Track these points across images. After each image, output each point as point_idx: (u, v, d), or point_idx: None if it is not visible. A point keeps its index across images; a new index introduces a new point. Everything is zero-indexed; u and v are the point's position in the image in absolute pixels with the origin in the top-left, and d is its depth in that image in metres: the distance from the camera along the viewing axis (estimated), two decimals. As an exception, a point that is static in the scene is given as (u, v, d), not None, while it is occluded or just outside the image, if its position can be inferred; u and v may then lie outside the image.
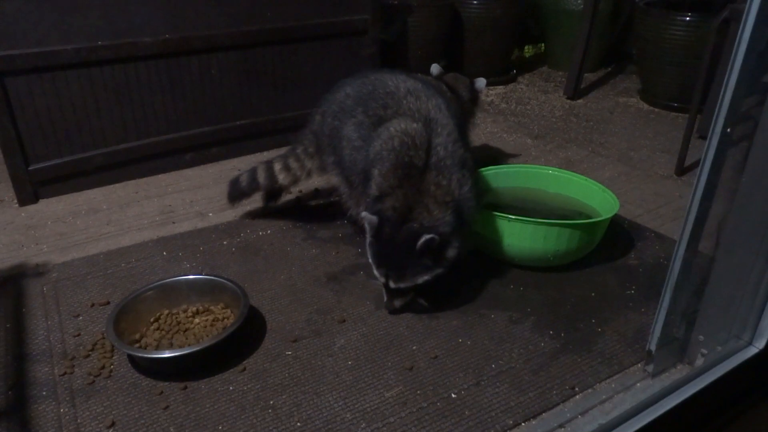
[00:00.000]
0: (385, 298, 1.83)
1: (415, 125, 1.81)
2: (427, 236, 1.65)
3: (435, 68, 2.62)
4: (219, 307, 1.83)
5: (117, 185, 2.74)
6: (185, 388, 1.57)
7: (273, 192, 2.42)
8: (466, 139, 2.06)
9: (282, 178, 2.31)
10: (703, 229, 1.42)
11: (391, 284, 1.76)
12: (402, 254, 1.71)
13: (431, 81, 2.27)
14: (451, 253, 1.76)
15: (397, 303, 1.82)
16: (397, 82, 1.96)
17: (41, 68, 2.41)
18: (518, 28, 4.37)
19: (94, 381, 1.60)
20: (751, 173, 1.44)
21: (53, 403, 1.53)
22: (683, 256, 1.43)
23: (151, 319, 1.77)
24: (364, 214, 1.78)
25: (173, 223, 2.41)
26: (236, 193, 2.36)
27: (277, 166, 2.31)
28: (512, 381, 1.61)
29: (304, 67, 3.06)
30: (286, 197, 2.58)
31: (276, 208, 2.49)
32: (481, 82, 2.59)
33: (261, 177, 2.32)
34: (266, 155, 2.94)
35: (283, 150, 2.39)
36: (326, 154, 2.18)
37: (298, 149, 2.31)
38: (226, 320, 1.79)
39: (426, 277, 1.75)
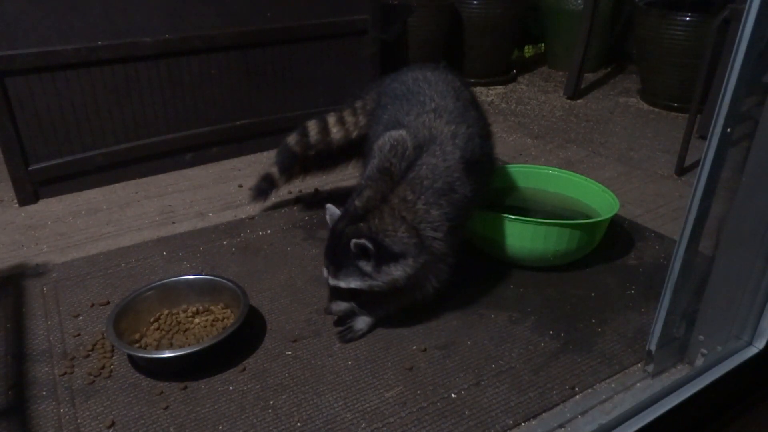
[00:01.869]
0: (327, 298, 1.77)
1: (408, 139, 1.76)
2: (357, 240, 1.58)
3: None
4: (219, 307, 1.83)
5: (117, 185, 2.75)
6: (185, 388, 1.57)
7: (313, 156, 2.36)
8: (482, 177, 1.90)
9: (335, 131, 2.29)
10: (703, 229, 1.42)
11: (330, 280, 1.70)
12: (341, 251, 1.65)
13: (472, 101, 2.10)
14: (396, 271, 1.64)
15: (334, 306, 1.73)
16: (433, 95, 1.90)
17: (41, 68, 2.41)
18: (518, 28, 4.37)
19: (94, 381, 1.60)
20: (751, 173, 1.44)
21: (53, 403, 1.53)
22: (683, 256, 1.43)
23: (151, 319, 1.77)
24: (328, 205, 1.77)
25: (173, 223, 2.41)
26: (286, 156, 2.31)
27: (332, 120, 2.29)
28: (512, 381, 1.61)
29: (304, 67, 3.06)
30: (286, 197, 2.58)
31: (275, 207, 2.49)
32: None
33: (312, 132, 2.30)
34: (266, 155, 2.94)
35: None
36: (374, 122, 2.14)
37: (357, 104, 2.29)
38: (226, 320, 1.79)
39: (358, 283, 1.66)
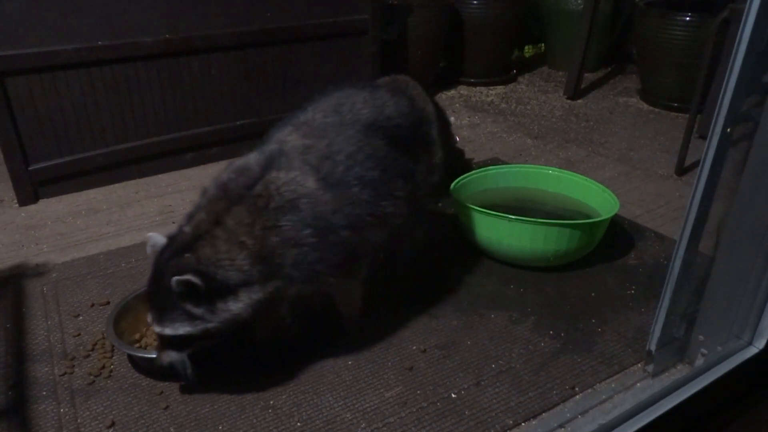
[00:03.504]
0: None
1: (254, 156, 1.54)
2: (180, 277, 1.33)
3: None
4: (219, 307, 1.83)
5: (117, 185, 2.74)
6: (185, 388, 1.57)
7: None
8: (365, 204, 1.57)
9: None
10: (703, 229, 1.42)
11: (154, 326, 1.45)
12: (164, 291, 1.39)
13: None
14: (235, 306, 1.41)
15: (164, 357, 1.47)
16: (314, 110, 1.68)
17: (41, 68, 2.41)
18: (518, 28, 4.36)
19: (94, 381, 1.60)
20: (751, 173, 1.44)
21: (53, 403, 1.53)
22: (683, 256, 1.43)
23: (151, 319, 1.77)
24: (150, 234, 1.49)
25: (173, 223, 2.41)
26: None
27: None
28: (512, 381, 1.61)
29: (304, 67, 3.05)
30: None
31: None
32: (450, 118, 2.78)
33: None
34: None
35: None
36: None
37: None
38: (226, 320, 1.78)
39: (188, 329, 1.40)
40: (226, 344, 1.59)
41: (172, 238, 1.46)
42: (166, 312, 1.41)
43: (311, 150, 1.53)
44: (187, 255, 1.40)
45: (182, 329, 1.41)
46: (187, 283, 1.34)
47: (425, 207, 1.93)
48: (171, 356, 1.47)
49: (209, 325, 1.41)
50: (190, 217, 1.48)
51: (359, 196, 1.54)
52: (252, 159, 1.54)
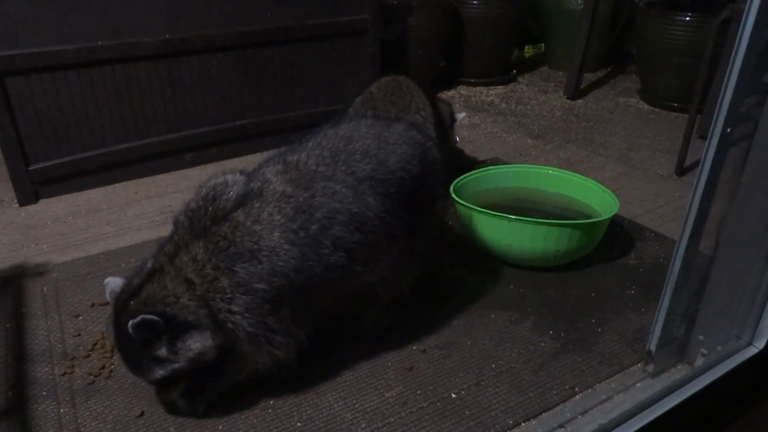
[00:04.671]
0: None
1: (236, 185, 1.46)
2: (134, 321, 1.29)
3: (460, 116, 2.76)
4: (219, 307, 1.83)
5: (117, 185, 2.75)
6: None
7: None
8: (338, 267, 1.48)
9: None
10: (703, 229, 1.42)
11: (134, 375, 1.45)
12: (125, 339, 1.36)
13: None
14: (195, 344, 1.37)
15: (164, 397, 1.49)
16: (312, 147, 1.58)
17: (41, 68, 2.41)
18: (518, 28, 4.36)
19: (94, 381, 1.60)
20: (751, 173, 1.44)
21: (53, 403, 1.53)
22: (683, 256, 1.43)
23: (151, 319, 1.77)
24: (107, 280, 1.47)
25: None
26: None
27: None
28: (512, 381, 1.60)
29: (304, 67, 3.06)
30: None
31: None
32: (460, 115, 2.77)
33: None
34: (266, 155, 2.93)
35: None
36: None
37: None
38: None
39: (160, 372, 1.39)
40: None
41: (128, 281, 1.43)
42: (134, 360, 1.40)
43: (290, 200, 1.43)
44: (132, 302, 1.37)
45: (155, 374, 1.40)
46: (143, 324, 1.30)
47: (416, 260, 1.77)
48: (170, 395, 1.48)
49: (177, 366, 1.38)
50: (158, 249, 1.44)
51: (329, 258, 1.44)
52: (229, 189, 1.45)
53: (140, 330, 1.31)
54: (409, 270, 1.76)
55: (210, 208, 1.41)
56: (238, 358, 1.47)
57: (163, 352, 1.36)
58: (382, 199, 1.54)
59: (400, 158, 1.61)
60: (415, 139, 1.71)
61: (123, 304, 1.39)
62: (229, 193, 1.44)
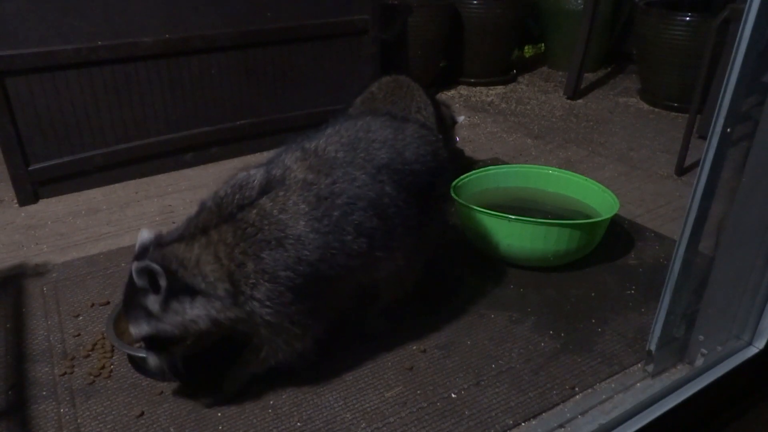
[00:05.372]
0: None
1: (259, 176, 1.48)
2: (139, 263, 1.32)
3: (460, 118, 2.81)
4: (219, 307, 1.82)
5: (117, 185, 2.74)
6: (185, 388, 1.57)
7: None
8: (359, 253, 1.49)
9: None
10: (703, 229, 1.42)
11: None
12: (130, 281, 1.40)
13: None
14: (191, 310, 1.37)
15: (150, 360, 1.46)
16: (328, 136, 1.59)
17: (41, 68, 2.41)
18: (518, 28, 4.37)
19: (94, 381, 1.60)
20: (751, 173, 1.44)
21: (53, 403, 1.53)
22: (683, 256, 1.43)
23: (151, 319, 1.77)
24: (142, 230, 1.49)
25: (173, 223, 2.41)
26: None
27: None
28: (512, 381, 1.60)
29: (304, 67, 3.06)
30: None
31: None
32: (460, 117, 2.81)
33: None
34: (266, 155, 2.93)
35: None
36: None
37: None
38: (226, 320, 1.78)
39: (146, 328, 1.40)
40: (226, 346, 1.59)
41: (158, 236, 1.45)
42: (131, 309, 1.41)
43: (312, 187, 1.46)
44: (157, 249, 1.39)
45: (142, 328, 1.40)
46: (145, 269, 1.32)
47: (423, 257, 1.79)
48: (154, 359, 1.46)
49: (161, 326, 1.38)
50: (186, 221, 1.47)
51: (351, 245, 1.46)
52: (253, 178, 1.48)
53: (141, 276, 1.33)
54: (414, 267, 1.78)
55: (237, 196, 1.44)
56: (256, 347, 1.50)
57: (155, 306, 1.37)
58: (399, 189, 1.56)
59: (416, 151, 1.65)
60: (429, 137, 1.75)
61: (144, 250, 1.41)
62: (253, 181, 1.47)
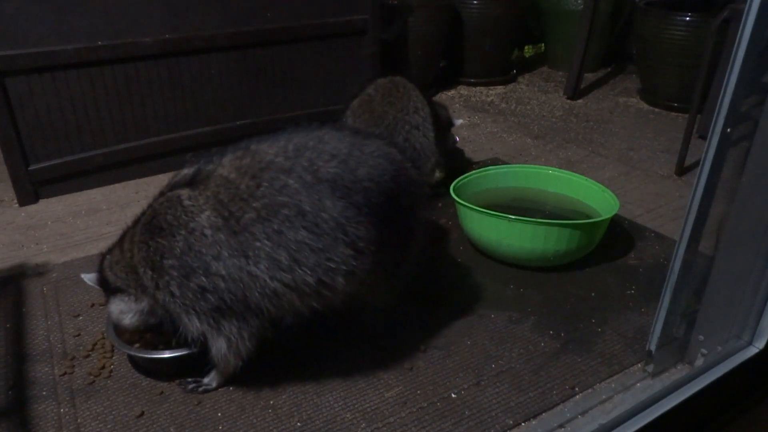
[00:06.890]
0: None
1: (191, 167, 1.50)
2: (87, 275, 1.62)
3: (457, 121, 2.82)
4: (219, 307, 1.82)
5: (117, 185, 2.74)
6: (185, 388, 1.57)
7: None
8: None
9: None
10: (703, 229, 1.42)
11: None
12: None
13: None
14: (113, 306, 1.56)
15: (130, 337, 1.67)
16: (274, 143, 1.55)
17: (41, 68, 2.41)
18: (518, 28, 4.37)
19: (94, 381, 1.60)
20: (751, 173, 1.44)
21: (53, 403, 1.53)
22: (683, 256, 1.43)
23: (151, 319, 1.77)
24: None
25: (173, 223, 2.41)
26: None
27: None
28: (512, 381, 1.61)
29: (304, 67, 3.06)
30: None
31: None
32: (458, 121, 2.84)
33: None
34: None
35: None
36: None
37: None
38: (226, 320, 1.78)
39: (111, 328, 1.65)
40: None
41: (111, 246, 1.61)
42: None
43: (230, 186, 1.41)
44: (105, 258, 1.58)
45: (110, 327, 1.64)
46: (89, 280, 1.59)
47: (402, 279, 1.69)
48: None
49: (115, 325, 1.60)
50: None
51: (261, 251, 1.38)
52: (187, 170, 1.50)
53: (94, 285, 1.57)
54: (392, 287, 1.69)
55: (166, 186, 1.50)
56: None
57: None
58: (344, 205, 1.44)
59: (372, 170, 1.53)
60: (392, 155, 1.63)
61: (102, 257, 1.59)
62: (186, 173, 1.49)
